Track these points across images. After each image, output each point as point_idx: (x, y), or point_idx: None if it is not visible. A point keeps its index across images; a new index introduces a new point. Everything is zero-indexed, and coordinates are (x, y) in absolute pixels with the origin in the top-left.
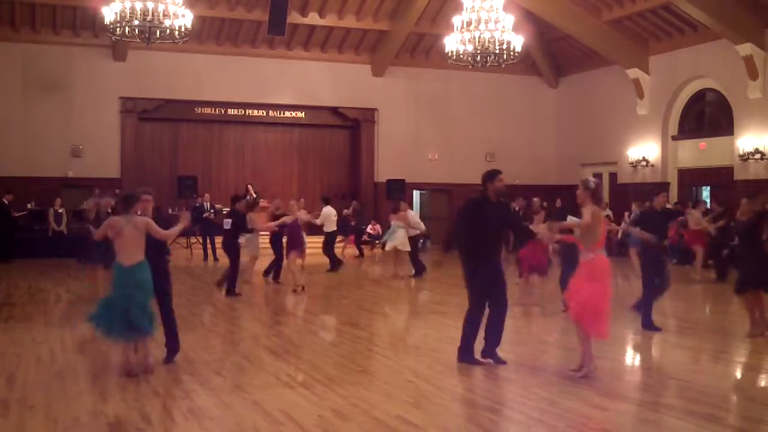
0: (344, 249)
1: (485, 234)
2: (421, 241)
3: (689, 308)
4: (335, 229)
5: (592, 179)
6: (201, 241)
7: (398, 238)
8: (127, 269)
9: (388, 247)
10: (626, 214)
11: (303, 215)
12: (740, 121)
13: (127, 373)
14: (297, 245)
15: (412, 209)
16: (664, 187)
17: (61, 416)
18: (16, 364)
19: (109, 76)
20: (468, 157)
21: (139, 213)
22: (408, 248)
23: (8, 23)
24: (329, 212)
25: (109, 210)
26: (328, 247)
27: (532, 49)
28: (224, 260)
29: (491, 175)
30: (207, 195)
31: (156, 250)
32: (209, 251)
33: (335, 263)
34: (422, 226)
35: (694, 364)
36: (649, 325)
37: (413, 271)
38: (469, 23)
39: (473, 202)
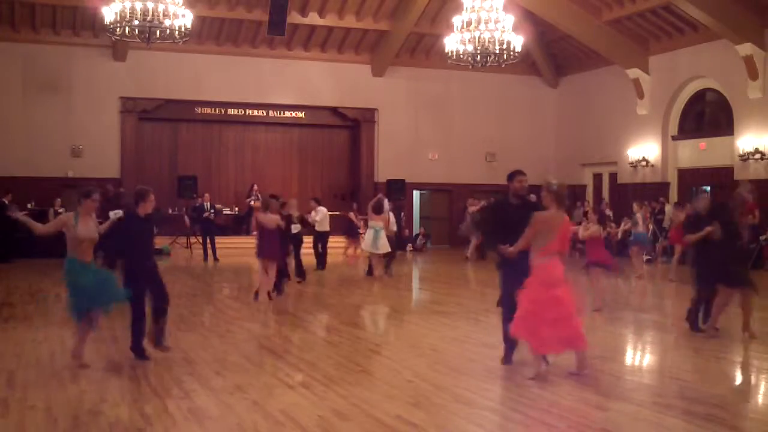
0: (347, 250)
1: (506, 235)
2: (423, 241)
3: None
4: (328, 229)
5: (554, 181)
6: (201, 241)
7: (382, 242)
8: None
9: (378, 250)
10: (625, 218)
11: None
12: (740, 121)
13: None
14: (272, 252)
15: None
16: (665, 187)
17: (61, 416)
18: (16, 364)
19: (109, 76)
20: (468, 157)
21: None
22: (388, 250)
23: (8, 23)
24: (324, 212)
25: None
26: (322, 247)
27: (532, 49)
28: (229, 260)
29: (510, 177)
30: (207, 195)
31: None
32: (209, 251)
33: (323, 263)
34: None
35: (694, 364)
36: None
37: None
38: (469, 23)
39: (495, 203)
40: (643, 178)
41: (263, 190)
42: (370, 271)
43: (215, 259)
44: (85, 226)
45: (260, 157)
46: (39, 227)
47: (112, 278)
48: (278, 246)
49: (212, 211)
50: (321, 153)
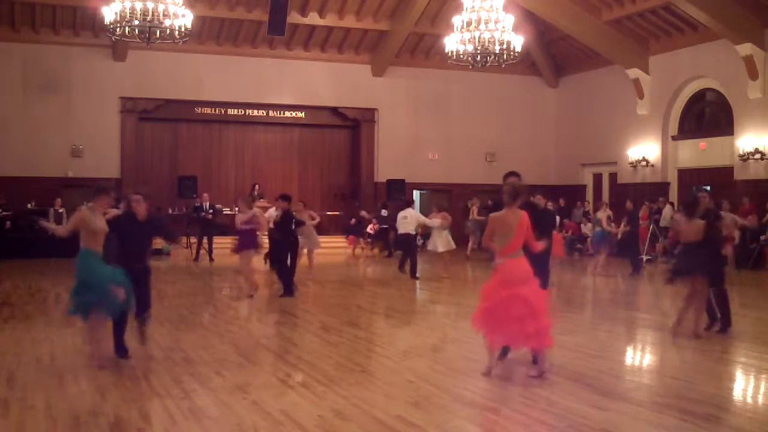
0: (354, 249)
1: None
2: (422, 241)
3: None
4: None
5: (517, 181)
6: (197, 240)
7: (444, 239)
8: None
9: (450, 247)
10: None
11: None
12: (740, 121)
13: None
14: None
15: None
16: (665, 187)
17: (61, 416)
18: (16, 364)
19: (109, 76)
20: (468, 157)
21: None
22: (453, 246)
23: (8, 23)
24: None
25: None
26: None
27: (532, 49)
28: (228, 260)
29: (503, 178)
30: (206, 195)
31: (126, 250)
32: (204, 250)
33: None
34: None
35: (694, 364)
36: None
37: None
38: (469, 23)
39: (495, 203)
40: (643, 178)
41: (264, 190)
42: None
43: (210, 259)
44: (100, 220)
45: (260, 157)
46: (62, 230)
47: (124, 281)
48: (255, 243)
49: (211, 211)
50: (321, 153)
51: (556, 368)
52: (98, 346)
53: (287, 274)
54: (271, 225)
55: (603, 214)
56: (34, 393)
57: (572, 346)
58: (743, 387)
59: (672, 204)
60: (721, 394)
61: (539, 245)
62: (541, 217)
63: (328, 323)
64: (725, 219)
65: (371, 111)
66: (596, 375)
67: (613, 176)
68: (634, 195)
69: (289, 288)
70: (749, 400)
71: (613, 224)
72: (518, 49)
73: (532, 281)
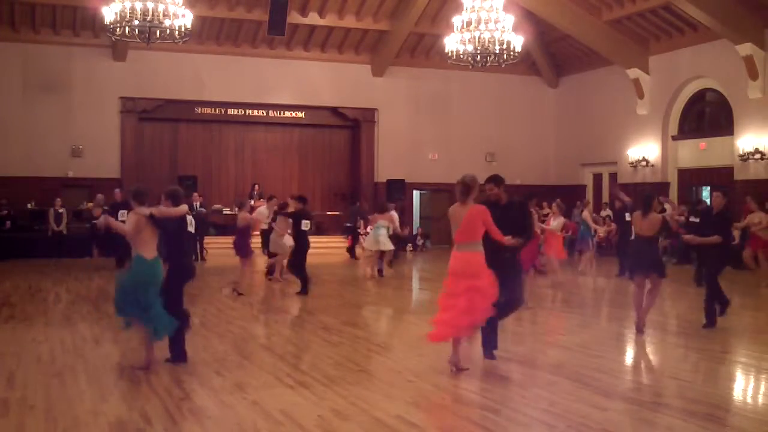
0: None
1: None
2: (422, 241)
3: (689, 308)
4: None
5: (467, 176)
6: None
7: (382, 239)
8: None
9: (375, 247)
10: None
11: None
12: (740, 121)
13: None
14: (241, 249)
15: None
16: (665, 187)
17: (61, 416)
18: (16, 364)
19: (109, 76)
20: (468, 157)
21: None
22: (392, 247)
23: (8, 23)
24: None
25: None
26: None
27: (532, 49)
28: (226, 260)
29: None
30: (196, 195)
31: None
32: (206, 250)
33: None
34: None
35: (694, 364)
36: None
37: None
38: (469, 23)
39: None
40: (644, 178)
41: (264, 190)
42: (381, 272)
43: (197, 258)
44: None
45: (260, 157)
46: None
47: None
48: (248, 243)
49: (201, 210)
50: (321, 153)
51: (556, 368)
52: (151, 353)
53: (302, 271)
54: (264, 225)
55: (588, 214)
56: (34, 393)
57: (572, 346)
58: (743, 387)
59: (673, 204)
60: (721, 394)
61: (502, 237)
62: (509, 213)
63: (328, 323)
64: (752, 219)
65: (371, 111)
66: (596, 375)
67: (613, 176)
68: (634, 195)
69: (306, 286)
70: (749, 400)
71: (607, 223)
72: (518, 49)
73: (479, 277)
